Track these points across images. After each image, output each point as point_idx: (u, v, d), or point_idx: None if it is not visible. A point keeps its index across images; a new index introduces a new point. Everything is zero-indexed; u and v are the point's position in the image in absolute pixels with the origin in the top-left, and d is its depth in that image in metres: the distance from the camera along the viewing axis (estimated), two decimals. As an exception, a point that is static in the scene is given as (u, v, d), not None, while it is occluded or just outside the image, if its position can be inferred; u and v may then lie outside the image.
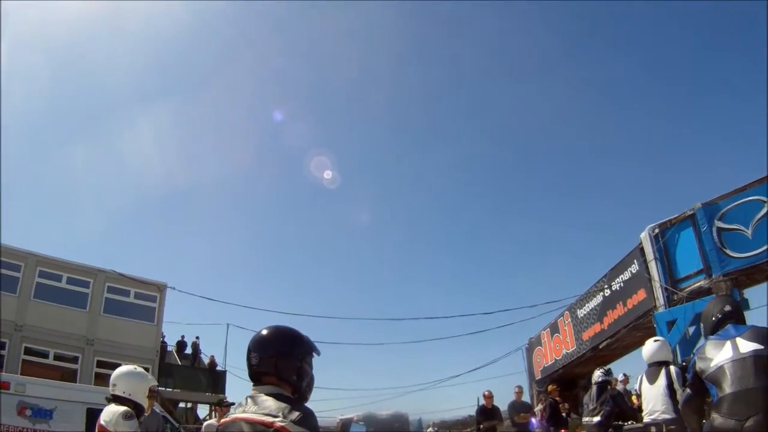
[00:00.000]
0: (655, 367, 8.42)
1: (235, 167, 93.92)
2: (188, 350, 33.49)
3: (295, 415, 2.74)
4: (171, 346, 32.38)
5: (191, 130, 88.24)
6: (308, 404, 3.02)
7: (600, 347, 24.01)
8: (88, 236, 73.27)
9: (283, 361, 3.05)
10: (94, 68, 75.69)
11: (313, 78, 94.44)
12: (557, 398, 16.99)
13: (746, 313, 15.61)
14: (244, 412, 2.87)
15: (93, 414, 6.48)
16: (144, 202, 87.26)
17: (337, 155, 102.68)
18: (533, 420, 16.22)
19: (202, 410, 32.92)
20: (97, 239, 73.74)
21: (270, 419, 2.74)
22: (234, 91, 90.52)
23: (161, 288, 29.16)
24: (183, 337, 33.76)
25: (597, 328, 24.15)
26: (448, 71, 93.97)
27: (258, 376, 3.06)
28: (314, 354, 3.25)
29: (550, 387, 18.55)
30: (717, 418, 4.03)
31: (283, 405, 2.80)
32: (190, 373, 31.18)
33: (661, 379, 8.19)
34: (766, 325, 4.39)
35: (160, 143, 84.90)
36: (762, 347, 4.08)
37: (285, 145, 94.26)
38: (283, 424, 2.71)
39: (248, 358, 3.10)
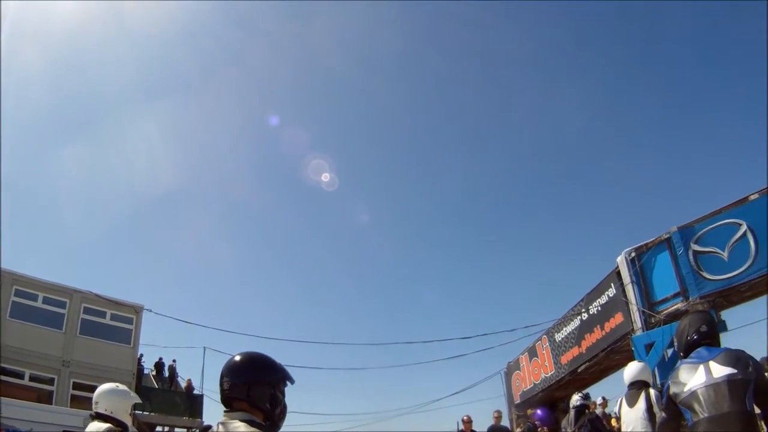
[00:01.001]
0: (635, 390, 8.47)
1: (216, 175, 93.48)
2: (165, 373, 33.18)
3: None
4: (148, 368, 32.08)
5: (178, 136, 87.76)
6: (284, 427, 3.03)
7: (578, 371, 24.08)
8: (60, 254, 72.42)
9: (255, 387, 3.04)
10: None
11: (309, 80, 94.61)
12: (536, 422, 17.06)
13: (724, 335, 15.90)
14: None
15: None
16: (119, 218, 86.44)
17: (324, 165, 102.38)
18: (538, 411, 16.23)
19: (179, 435, 32.62)
20: (70, 258, 72.92)
21: None
22: (225, 95, 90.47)
23: (138, 310, 28.85)
24: (161, 358, 33.44)
25: (575, 351, 24.24)
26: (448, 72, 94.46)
27: (230, 401, 3.05)
28: (288, 382, 3.24)
29: (528, 411, 18.67)
30: None
31: (254, 431, 2.80)
32: (167, 397, 30.85)
33: (641, 403, 8.24)
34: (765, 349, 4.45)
35: (140, 150, 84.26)
36: (735, 371, 4.11)
37: (275, 155, 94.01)
38: None
39: (221, 383, 3.10)
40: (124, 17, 69.42)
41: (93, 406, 5.84)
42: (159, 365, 33.05)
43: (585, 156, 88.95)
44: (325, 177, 63.01)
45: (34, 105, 65.42)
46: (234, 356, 3.19)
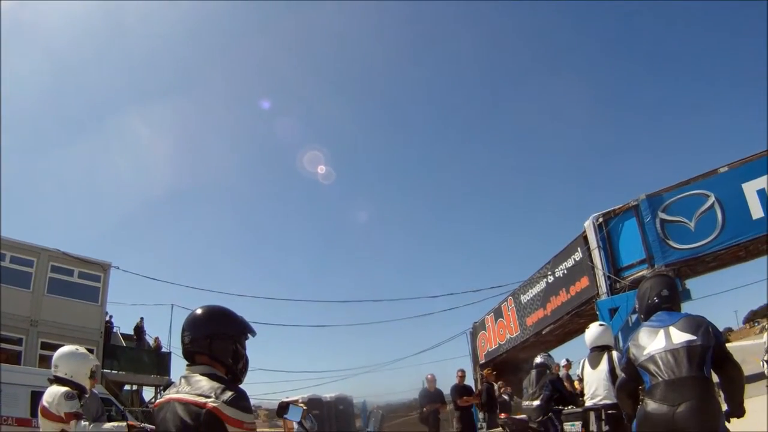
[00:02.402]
0: (597, 352, 8.61)
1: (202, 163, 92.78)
2: (149, 340, 32.50)
3: (228, 395, 2.76)
4: (116, 327, 31.70)
5: (169, 130, 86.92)
6: (248, 385, 3.06)
7: (543, 333, 24.42)
8: (32, 215, 71.60)
9: (216, 341, 3.06)
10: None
11: (306, 74, 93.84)
12: (493, 382, 17.27)
13: (688, 304, 16.15)
14: (177, 392, 2.89)
15: (37, 396, 6.44)
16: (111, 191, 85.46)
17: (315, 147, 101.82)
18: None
19: (148, 392, 32.51)
20: (42, 217, 72.08)
21: (202, 399, 2.76)
22: (221, 88, 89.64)
23: (105, 267, 28.43)
24: (142, 319, 32.71)
25: (540, 313, 24.56)
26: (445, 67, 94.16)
27: (191, 355, 3.07)
28: (249, 335, 3.26)
29: (485, 371, 18.86)
30: (650, 404, 4.14)
31: (216, 385, 2.82)
32: (134, 355, 30.64)
33: (603, 364, 8.38)
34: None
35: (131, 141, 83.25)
36: (695, 338, 4.17)
37: (271, 137, 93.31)
38: (215, 404, 2.73)
39: (182, 337, 3.12)
40: (123, 17, 68.48)
41: (52, 369, 5.89)
42: (139, 330, 32.41)
43: (560, 122, 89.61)
44: (319, 166, 62.65)
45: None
46: (195, 310, 3.20)
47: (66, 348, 6.10)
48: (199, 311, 3.18)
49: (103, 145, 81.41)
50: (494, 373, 18.26)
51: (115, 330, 31.37)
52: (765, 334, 17.46)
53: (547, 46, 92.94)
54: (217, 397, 2.75)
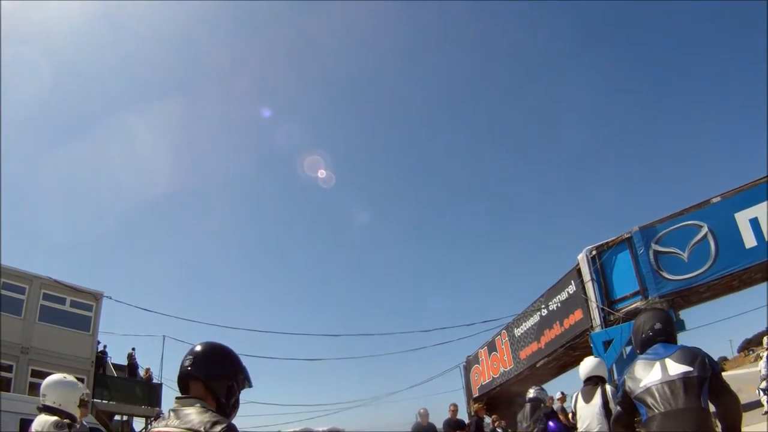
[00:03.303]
0: (590, 386, 8.53)
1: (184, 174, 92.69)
2: (140, 372, 32.24)
3: (217, 429, 2.72)
4: (109, 356, 31.45)
5: (164, 134, 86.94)
6: (240, 419, 3.04)
7: (537, 366, 24.30)
8: (23, 241, 71.23)
9: (217, 376, 3.04)
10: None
11: (305, 77, 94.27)
12: (483, 416, 17.17)
13: (683, 334, 16.14)
14: (166, 425, 2.85)
15: (26, 424, 6.35)
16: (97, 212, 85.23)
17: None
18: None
19: (138, 423, 32.22)
20: (32, 244, 71.72)
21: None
22: (217, 92, 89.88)
23: (97, 297, 28.32)
24: (134, 349, 32.51)
25: (534, 347, 24.46)
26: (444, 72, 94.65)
27: (187, 380, 3.05)
28: (247, 383, 3.23)
29: (475, 405, 18.75)
30: None
31: (206, 419, 2.77)
32: (126, 385, 30.41)
33: (597, 398, 8.30)
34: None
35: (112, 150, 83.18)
36: (691, 369, 4.14)
37: (274, 145, 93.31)
38: None
39: (183, 361, 3.08)
40: (122, 17, 68.97)
41: (41, 398, 5.77)
42: (131, 360, 32.11)
43: (562, 155, 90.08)
44: (321, 172, 62.46)
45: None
46: (206, 342, 3.18)
47: (54, 376, 5.98)
48: (209, 345, 3.17)
49: (88, 161, 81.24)
50: (484, 407, 18.15)
51: (107, 360, 31.16)
52: (760, 363, 17.44)
53: (540, 76, 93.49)
54: (206, 431, 2.71)
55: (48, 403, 5.70)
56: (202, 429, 2.71)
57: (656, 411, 4.11)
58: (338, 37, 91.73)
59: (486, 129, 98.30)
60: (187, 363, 3.05)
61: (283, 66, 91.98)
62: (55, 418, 5.54)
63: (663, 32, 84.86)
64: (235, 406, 3.16)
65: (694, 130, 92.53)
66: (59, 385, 5.84)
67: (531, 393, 11.68)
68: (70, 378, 6.04)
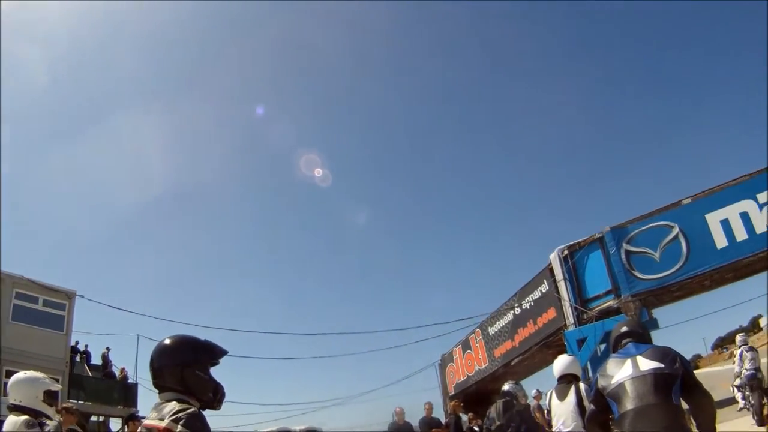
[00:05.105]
0: (564, 384, 8.57)
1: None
2: (115, 371, 31.97)
3: (180, 415, 2.79)
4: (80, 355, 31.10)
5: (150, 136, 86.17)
6: (217, 418, 3.08)
7: (512, 364, 24.45)
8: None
9: (183, 370, 3.06)
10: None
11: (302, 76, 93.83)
12: (461, 413, 17.21)
13: (657, 333, 16.32)
14: (146, 419, 2.97)
15: (-1, 427, 6.25)
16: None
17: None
18: None
19: (115, 424, 31.92)
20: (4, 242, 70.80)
21: (158, 422, 2.82)
22: (211, 92, 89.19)
23: (70, 296, 27.92)
24: (108, 349, 32.15)
25: (509, 345, 24.61)
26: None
27: (158, 385, 3.09)
28: (214, 360, 3.23)
29: (453, 403, 18.77)
30: None
31: (177, 407, 2.85)
32: (101, 386, 30.08)
33: (571, 396, 8.32)
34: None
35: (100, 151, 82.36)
36: (662, 365, 4.18)
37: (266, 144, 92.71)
38: (163, 425, 2.78)
39: (150, 368, 3.14)
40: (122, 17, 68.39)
41: (9, 398, 5.69)
42: (105, 359, 31.77)
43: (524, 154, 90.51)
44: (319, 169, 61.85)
45: None
46: (162, 340, 3.20)
47: (17, 375, 5.85)
48: (162, 341, 3.19)
49: (71, 165, 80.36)
50: (462, 404, 18.19)
51: (90, 361, 30.89)
52: (734, 360, 17.71)
53: (516, 81, 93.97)
54: (172, 417, 2.79)
55: (13, 401, 5.60)
56: (167, 417, 2.81)
57: (628, 407, 4.13)
58: (338, 37, 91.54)
59: (459, 125, 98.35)
60: (151, 376, 3.14)
61: (279, 64, 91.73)
62: (25, 417, 5.46)
63: (633, 33, 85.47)
64: (217, 390, 3.17)
65: (666, 132, 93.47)
66: (19, 382, 5.71)
67: (505, 387, 11.68)
68: (31, 373, 5.90)
